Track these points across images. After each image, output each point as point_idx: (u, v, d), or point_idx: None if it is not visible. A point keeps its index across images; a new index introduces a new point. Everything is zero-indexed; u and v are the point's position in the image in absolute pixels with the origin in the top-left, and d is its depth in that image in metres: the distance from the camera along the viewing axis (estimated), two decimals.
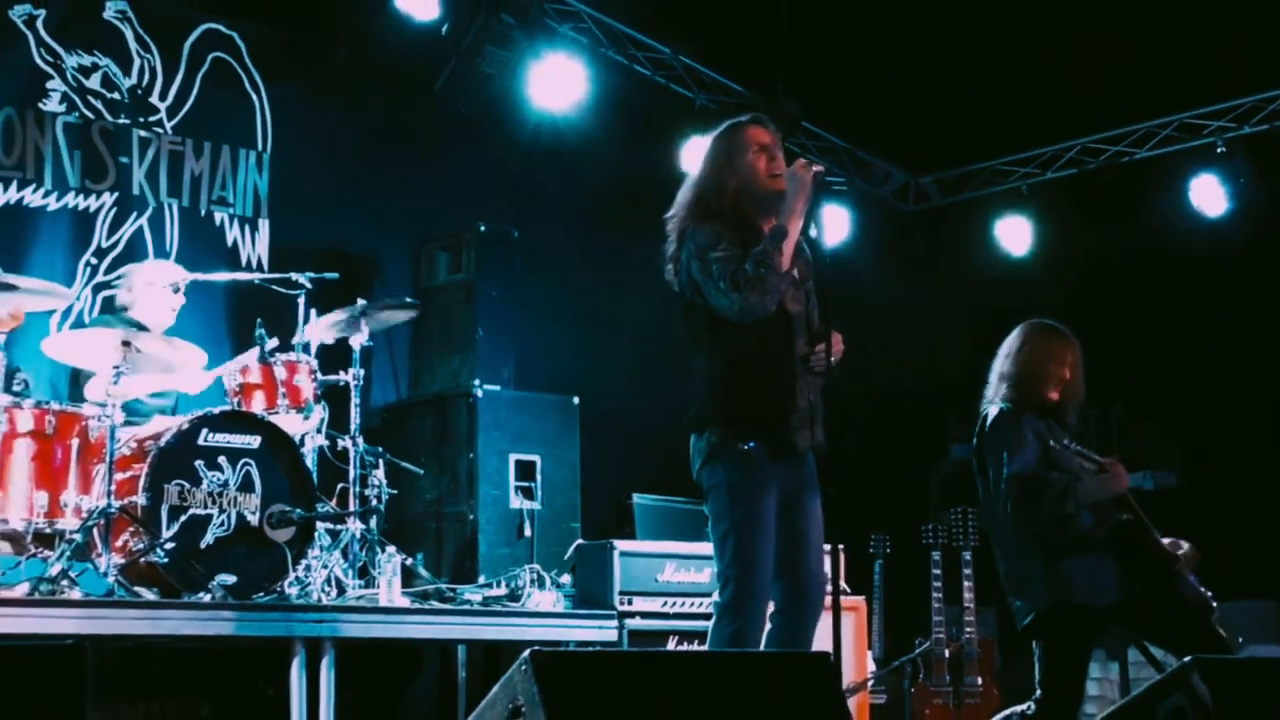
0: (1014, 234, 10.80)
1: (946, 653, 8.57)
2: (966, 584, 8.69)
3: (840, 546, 8.01)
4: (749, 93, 10.13)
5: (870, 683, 8.25)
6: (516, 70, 9.29)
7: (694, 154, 9.63)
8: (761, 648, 5.39)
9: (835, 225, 9.85)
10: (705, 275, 5.36)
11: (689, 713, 4.19)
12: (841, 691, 4.74)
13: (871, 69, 9.82)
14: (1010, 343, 6.38)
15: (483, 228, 8.94)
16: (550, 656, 4.03)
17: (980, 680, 8.56)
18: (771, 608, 5.47)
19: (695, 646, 7.49)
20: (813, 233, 5.61)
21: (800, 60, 9.77)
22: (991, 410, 6.25)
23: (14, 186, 8.22)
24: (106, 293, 8.35)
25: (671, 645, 7.68)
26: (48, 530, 6.71)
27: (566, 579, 7.80)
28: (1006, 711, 6.42)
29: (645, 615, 7.71)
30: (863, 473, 9.67)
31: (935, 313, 10.56)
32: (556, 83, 9.32)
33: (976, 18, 9.32)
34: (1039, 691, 6.00)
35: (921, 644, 8.62)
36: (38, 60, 8.35)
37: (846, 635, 6.41)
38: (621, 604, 7.66)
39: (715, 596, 5.48)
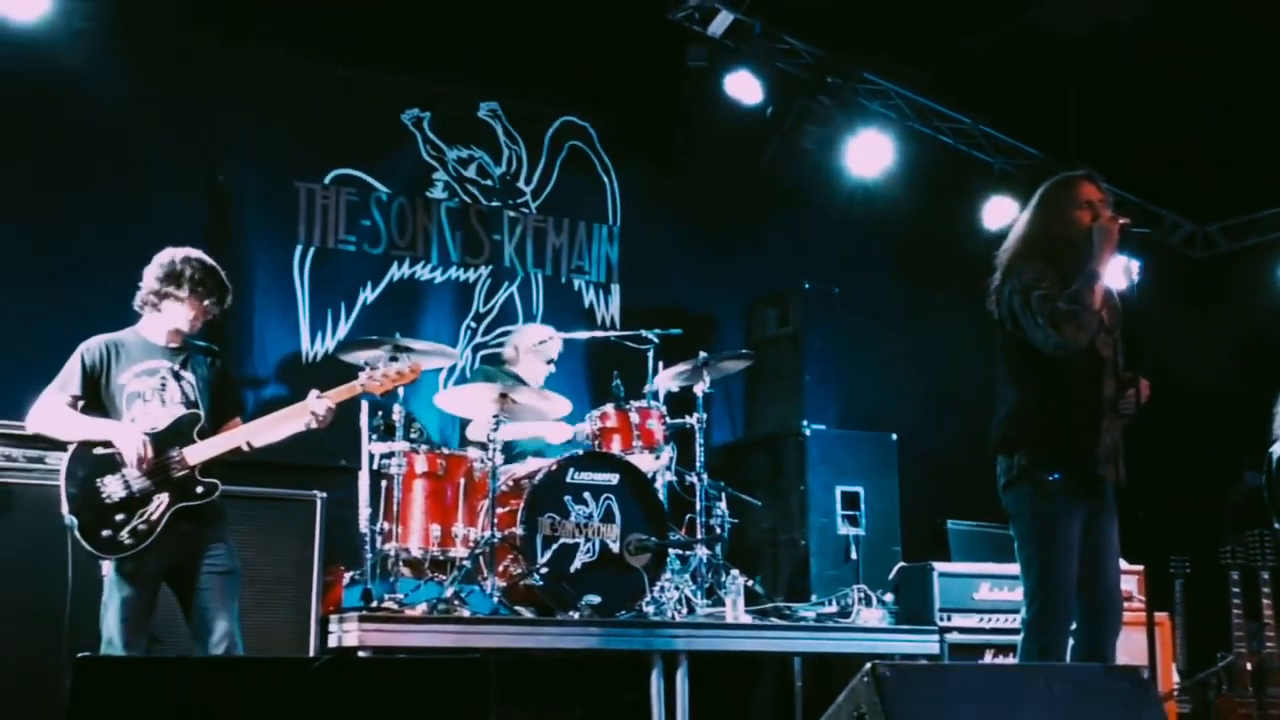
0: None
1: (1248, 665, 8.15)
2: (1265, 601, 8.24)
3: (1142, 568, 7.81)
4: (1043, 155, 9.89)
5: (1176, 694, 7.92)
6: (833, 144, 9.28)
7: (997, 211, 9.53)
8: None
9: (1127, 273, 9.52)
10: (1025, 310, 5.25)
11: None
12: (1161, 702, 4.56)
13: (1156, 127, 9.49)
14: None
15: (806, 285, 8.92)
16: (889, 668, 3.99)
17: None
18: (1072, 624, 5.33)
19: (1010, 659, 7.30)
20: (1120, 283, 5.47)
21: (1090, 121, 9.53)
22: (1276, 449, 5.96)
23: (407, 263, 8.51)
24: (485, 351, 8.60)
25: (988, 658, 7.51)
26: (441, 557, 6.92)
27: (890, 597, 7.68)
28: None
29: (963, 630, 7.60)
30: (1161, 499, 9.28)
31: (1225, 349, 10.10)
32: (868, 153, 9.28)
33: (1252, 74, 8.94)
34: None
35: (1224, 658, 8.22)
36: (424, 155, 8.64)
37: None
38: (941, 620, 7.57)
39: (1022, 614, 5.35)
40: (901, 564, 8.08)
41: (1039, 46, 9.36)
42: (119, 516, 5.32)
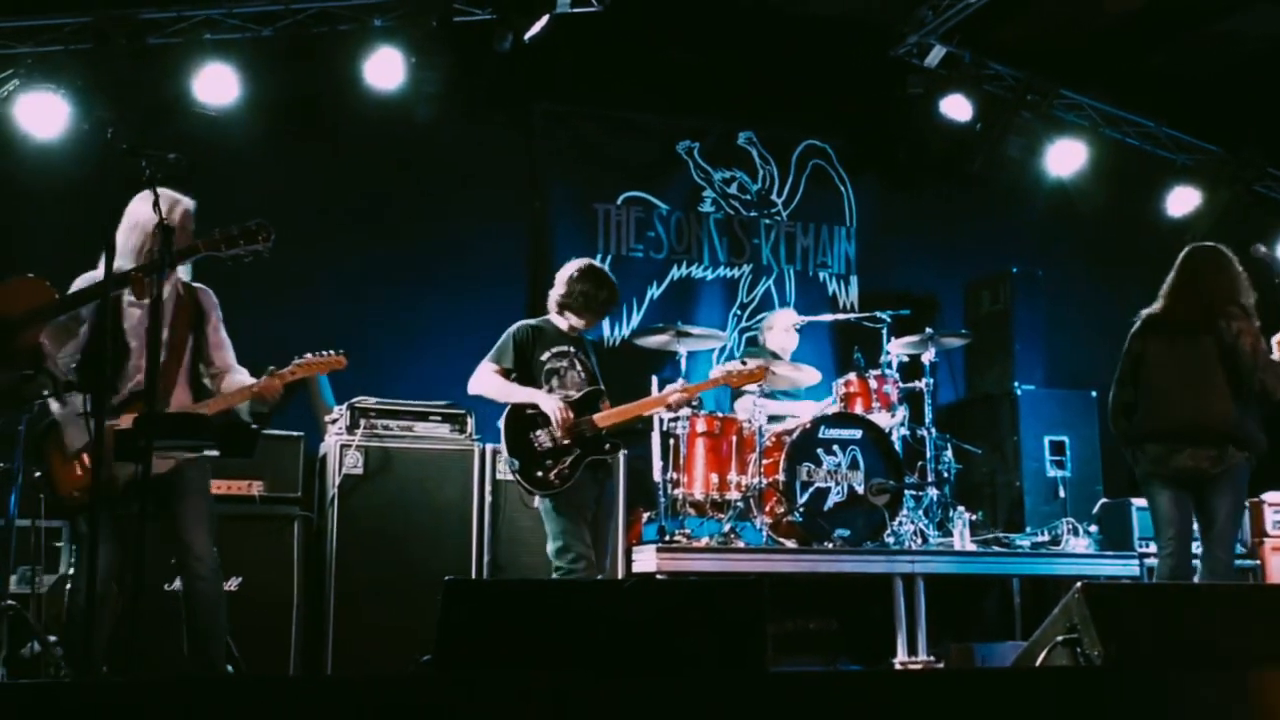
0: None
1: None
2: None
3: None
4: (1219, 149, 9.36)
5: None
6: (1034, 150, 8.98)
7: (1178, 200, 9.09)
8: None
9: None
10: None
11: (1212, 629, 3.90)
12: None
13: None
14: None
15: (1014, 269, 8.67)
16: (1097, 587, 3.88)
17: None
18: None
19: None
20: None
21: (1264, 116, 8.99)
22: None
23: (684, 264, 8.59)
24: (748, 334, 8.61)
25: None
26: (719, 500, 6.95)
27: (1094, 528, 7.43)
28: None
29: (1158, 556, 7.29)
30: None
31: None
32: (1064, 156, 8.93)
33: None
34: None
35: None
36: (695, 178, 8.69)
37: None
38: (1140, 546, 7.30)
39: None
40: (1104, 500, 7.80)
41: (1213, 57, 8.90)
42: (547, 462, 5.53)
